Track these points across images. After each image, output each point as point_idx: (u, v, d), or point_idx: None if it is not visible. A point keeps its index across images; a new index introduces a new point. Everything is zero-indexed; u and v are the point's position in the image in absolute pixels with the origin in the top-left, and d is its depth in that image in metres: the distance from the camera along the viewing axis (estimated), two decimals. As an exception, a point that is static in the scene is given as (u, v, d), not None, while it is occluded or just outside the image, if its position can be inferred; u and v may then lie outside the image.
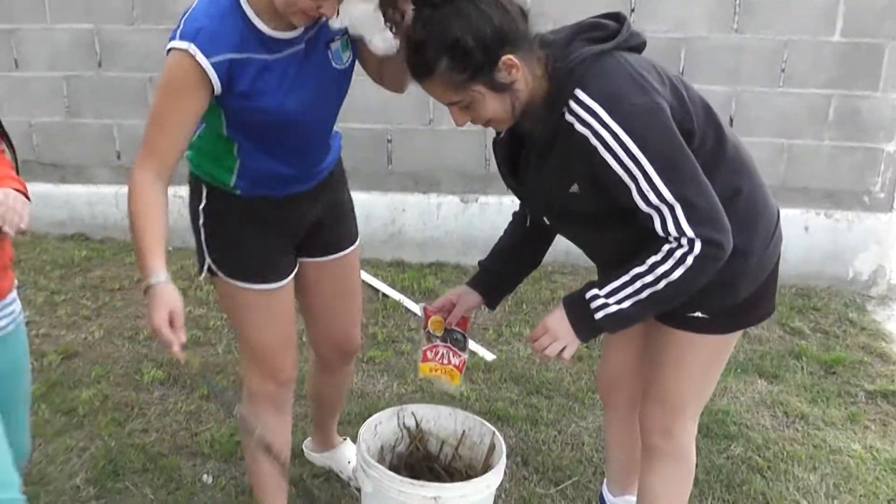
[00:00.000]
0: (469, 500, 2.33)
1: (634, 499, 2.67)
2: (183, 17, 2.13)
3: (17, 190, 1.92)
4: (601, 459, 3.26)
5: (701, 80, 4.66)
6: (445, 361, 2.56)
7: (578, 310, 2.10)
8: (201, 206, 2.43)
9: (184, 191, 2.43)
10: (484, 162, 5.23)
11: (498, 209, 5.14)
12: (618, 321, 2.06)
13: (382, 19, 2.11)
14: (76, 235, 5.63)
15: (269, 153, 2.33)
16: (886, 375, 4.07)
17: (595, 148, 1.92)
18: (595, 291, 2.06)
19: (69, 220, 5.63)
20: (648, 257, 1.99)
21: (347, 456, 3.16)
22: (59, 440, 3.34)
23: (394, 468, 2.52)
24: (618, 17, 2.08)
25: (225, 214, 2.42)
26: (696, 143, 2.02)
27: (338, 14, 2.13)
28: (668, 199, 1.92)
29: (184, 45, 2.06)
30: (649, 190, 1.92)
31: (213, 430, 3.41)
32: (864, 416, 3.69)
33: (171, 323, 2.07)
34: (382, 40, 2.22)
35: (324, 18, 2.14)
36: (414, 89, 2.05)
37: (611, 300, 2.04)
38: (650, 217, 1.95)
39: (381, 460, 2.59)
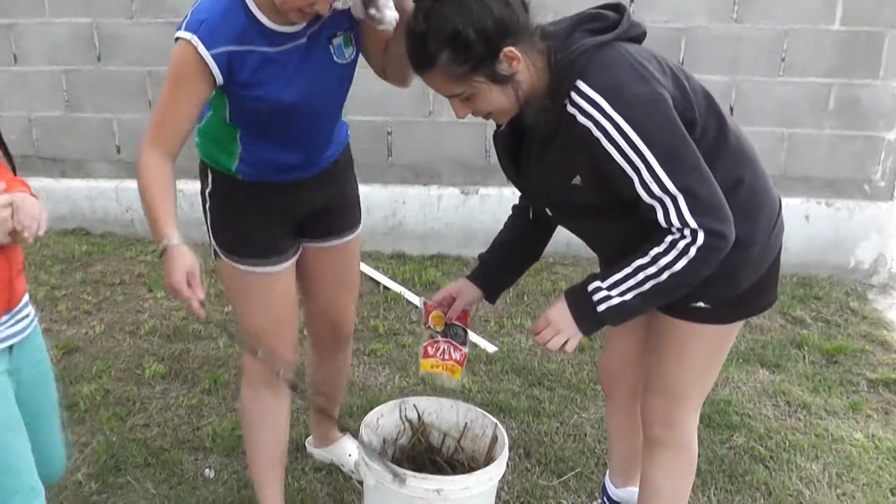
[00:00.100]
0: (471, 493, 2.33)
1: (637, 490, 2.67)
2: (192, 7, 2.21)
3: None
4: (603, 450, 3.26)
5: (701, 70, 4.65)
6: (446, 357, 2.56)
7: (581, 302, 2.09)
8: (207, 191, 2.52)
9: (182, 184, 2.44)
10: (484, 153, 5.22)
11: (498, 200, 5.13)
12: (620, 313, 2.06)
13: None
14: (76, 230, 5.62)
15: (270, 141, 2.39)
16: (888, 364, 4.07)
17: (597, 139, 1.91)
18: (597, 284, 2.06)
19: (69, 215, 5.62)
20: (651, 248, 1.98)
21: (348, 449, 3.16)
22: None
23: (396, 461, 2.52)
24: (618, 8, 2.08)
25: (228, 198, 2.49)
26: (697, 133, 2.02)
27: (331, 9, 2.18)
28: (670, 189, 1.91)
29: (187, 35, 2.15)
30: (652, 181, 1.91)
31: (214, 425, 3.41)
32: (866, 405, 3.69)
33: (189, 282, 2.18)
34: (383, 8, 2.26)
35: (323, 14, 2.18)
36: (414, 81, 2.04)
37: (613, 292, 2.03)
38: (652, 208, 1.95)
39: (383, 453, 2.59)
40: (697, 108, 2.03)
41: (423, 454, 2.67)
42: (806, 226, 5.06)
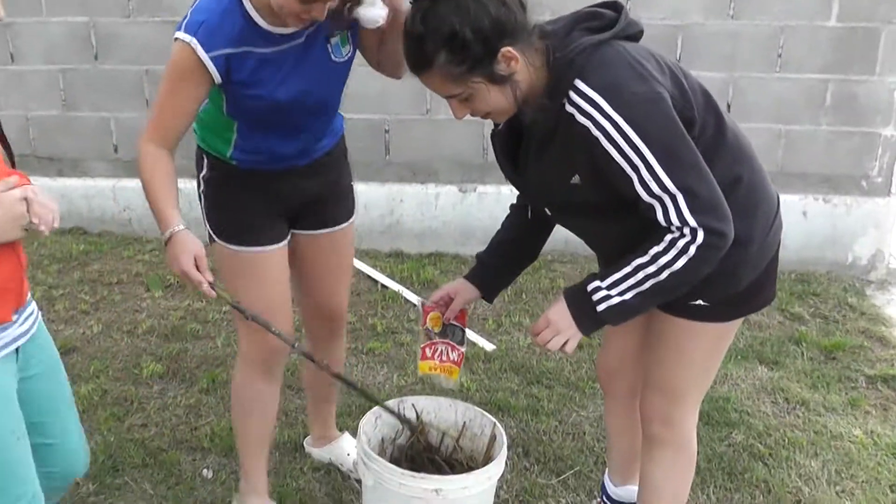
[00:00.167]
0: (470, 492, 2.32)
1: (636, 488, 2.67)
2: (192, 7, 2.26)
3: None
4: (602, 449, 3.26)
5: (698, 67, 4.64)
6: (444, 358, 2.56)
7: (580, 302, 2.09)
8: (202, 175, 2.58)
9: (182, 184, 2.44)
10: (482, 151, 5.21)
11: (496, 198, 5.13)
12: (620, 313, 2.05)
13: None
14: (74, 229, 5.61)
15: (265, 132, 2.46)
16: (886, 360, 4.07)
17: (596, 138, 1.91)
18: (597, 283, 2.05)
19: (66, 214, 5.60)
20: (650, 248, 1.98)
21: (346, 448, 3.16)
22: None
23: (394, 460, 2.51)
24: (615, 6, 2.08)
25: (223, 183, 2.55)
26: (696, 132, 2.02)
27: (327, 16, 2.21)
28: (669, 188, 1.91)
29: (187, 37, 2.20)
30: (651, 180, 1.91)
31: (212, 425, 3.40)
32: (865, 402, 3.69)
33: (197, 266, 2.26)
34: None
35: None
36: (411, 79, 2.04)
37: (613, 292, 2.03)
38: (652, 207, 1.94)
39: (381, 453, 2.59)
40: (696, 107, 2.03)
41: (422, 453, 2.67)
42: (804, 222, 5.06)
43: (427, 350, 2.58)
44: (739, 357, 4.02)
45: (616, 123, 1.89)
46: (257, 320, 2.45)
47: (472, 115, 2.05)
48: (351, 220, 2.80)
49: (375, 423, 2.61)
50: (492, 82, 1.95)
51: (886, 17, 4.76)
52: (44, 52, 5.39)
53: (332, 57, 2.38)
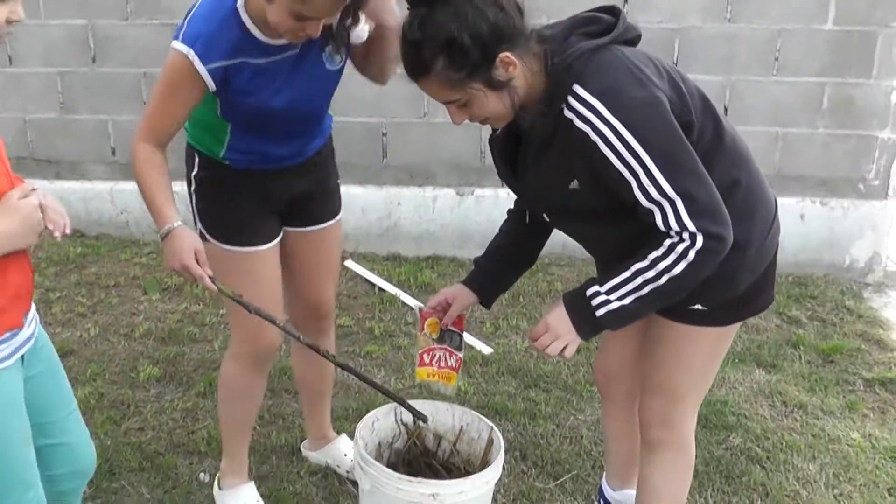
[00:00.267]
0: (468, 496, 2.32)
1: (634, 492, 2.67)
2: (187, 15, 2.29)
3: None
4: (600, 453, 3.26)
5: (695, 70, 4.66)
6: (442, 364, 2.56)
7: (579, 307, 2.09)
8: (193, 174, 2.60)
9: (176, 187, 2.44)
10: (479, 154, 5.21)
11: (494, 201, 5.13)
12: (619, 318, 2.05)
13: None
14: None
15: (259, 135, 2.49)
16: (884, 363, 4.07)
17: (595, 143, 1.91)
18: (596, 288, 2.05)
19: (63, 217, 5.59)
20: (649, 252, 1.98)
21: (343, 449, 3.16)
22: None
23: (391, 465, 2.52)
24: (613, 11, 2.07)
25: (215, 182, 2.57)
26: (694, 136, 2.02)
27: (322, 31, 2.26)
28: (668, 193, 1.91)
29: (184, 49, 2.23)
30: (650, 185, 1.91)
31: (209, 428, 3.40)
32: (863, 405, 3.69)
33: (197, 260, 2.30)
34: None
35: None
36: (408, 83, 2.04)
37: (612, 297, 2.03)
38: (651, 212, 1.94)
39: (378, 457, 2.59)
40: (694, 111, 2.03)
41: (419, 458, 2.67)
42: (801, 225, 5.06)
43: (425, 356, 2.58)
44: (737, 360, 4.02)
45: (615, 128, 1.89)
46: (260, 314, 2.47)
47: (471, 120, 2.05)
48: (338, 218, 2.84)
49: (372, 427, 2.61)
50: (490, 88, 1.95)
51: (883, 20, 4.76)
52: (42, 54, 5.38)
53: (326, 65, 2.42)
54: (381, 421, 2.64)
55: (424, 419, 2.62)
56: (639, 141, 1.89)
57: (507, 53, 1.92)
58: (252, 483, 2.96)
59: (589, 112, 1.91)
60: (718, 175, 2.02)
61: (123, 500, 3.02)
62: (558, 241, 2.44)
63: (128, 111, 5.34)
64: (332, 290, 2.96)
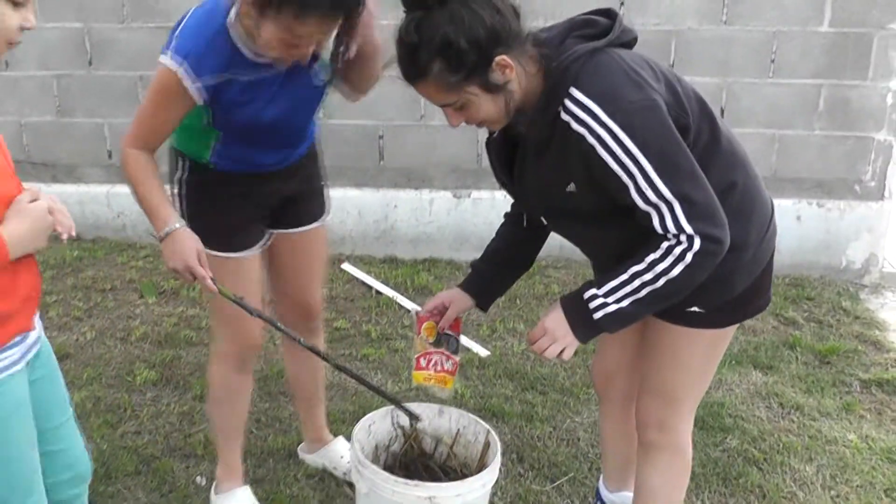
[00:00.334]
0: (464, 499, 2.32)
1: (631, 494, 2.67)
2: (178, 27, 2.30)
3: None
4: (597, 455, 3.26)
5: (691, 72, 4.67)
6: (439, 368, 2.56)
7: (577, 310, 2.08)
8: (178, 177, 2.61)
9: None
10: (476, 157, 5.22)
11: (491, 204, 5.13)
12: (617, 320, 2.05)
13: None
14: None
15: (246, 144, 2.50)
16: (880, 364, 4.08)
17: (592, 146, 1.91)
18: (593, 291, 2.05)
19: (60, 221, 5.58)
20: (647, 255, 1.98)
21: (340, 451, 3.16)
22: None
23: (388, 468, 2.51)
24: (609, 13, 2.07)
25: (200, 185, 2.58)
26: (691, 138, 2.01)
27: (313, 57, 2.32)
28: (666, 196, 1.91)
29: (174, 65, 2.24)
30: (647, 187, 1.91)
31: (206, 432, 3.38)
32: (859, 406, 3.70)
33: (199, 260, 2.35)
34: None
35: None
36: (405, 85, 2.03)
37: (609, 299, 2.03)
38: (648, 215, 1.94)
39: (375, 460, 2.59)
40: (691, 114, 2.03)
41: (416, 460, 2.67)
42: (797, 226, 5.07)
43: (421, 360, 2.58)
44: (734, 362, 4.02)
45: (612, 131, 1.89)
46: (262, 317, 2.53)
47: (468, 123, 2.05)
48: (323, 219, 2.86)
49: (369, 430, 2.61)
50: (487, 91, 1.95)
51: (878, 22, 4.77)
52: (38, 57, 5.38)
53: (314, 81, 2.44)
54: (378, 424, 2.64)
55: (418, 419, 2.63)
56: (636, 144, 1.88)
57: (504, 56, 1.91)
58: (247, 487, 2.96)
59: (586, 115, 1.91)
60: (715, 177, 2.02)
61: (120, 503, 3.01)
62: (555, 243, 2.44)
63: (124, 114, 5.32)
64: (319, 291, 2.98)
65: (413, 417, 2.62)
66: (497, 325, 4.40)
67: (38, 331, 2.01)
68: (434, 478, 2.57)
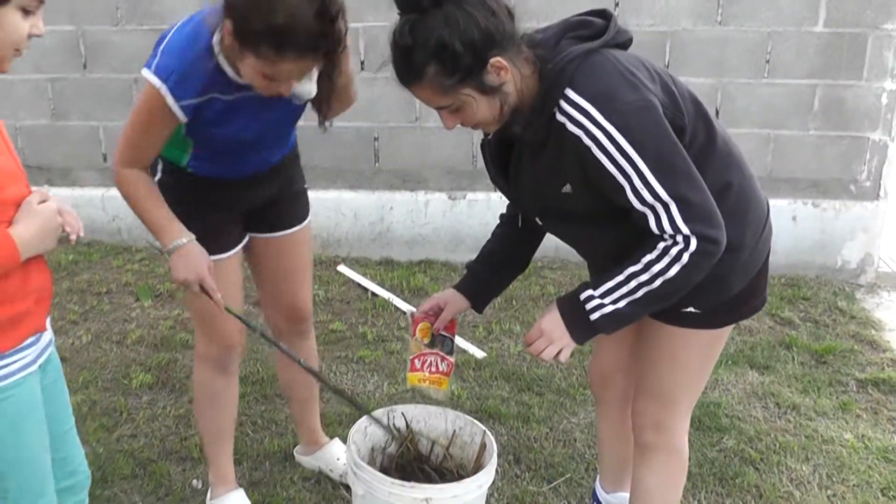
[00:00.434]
0: (461, 501, 2.32)
1: (628, 495, 2.66)
2: (162, 40, 2.30)
3: None
4: (593, 456, 3.26)
5: (686, 73, 4.68)
6: (434, 370, 2.56)
7: (573, 311, 2.08)
8: (156, 179, 2.57)
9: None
10: (471, 158, 5.22)
11: (486, 205, 5.13)
12: (613, 321, 2.05)
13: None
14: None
15: (224, 155, 2.52)
16: (877, 363, 4.08)
17: (588, 148, 1.90)
18: (590, 292, 2.05)
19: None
20: (643, 256, 1.98)
21: (336, 453, 3.16)
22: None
23: (384, 469, 2.51)
24: (604, 14, 2.07)
25: (176, 188, 2.55)
26: (687, 139, 2.01)
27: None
28: (662, 197, 1.91)
29: (157, 82, 2.25)
30: (643, 188, 1.91)
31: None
32: (856, 405, 3.70)
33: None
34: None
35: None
36: (400, 87, 2.03)
37: (606, 300, 2.03)
38: (644, 216, 1.94)
39: (371, 462, 2.58)
40: (686, 114, 2.03)
41: (412, 462, 2.66)
42: (793, 227, 5.07)
43: (416, 361, 2.57)
44: (730, 362, 4.02)
45: (607, 132, 1.89)
46: (265, 336, 2.59)
47: (463, 125, 2.05)
48: (306, 222, 2.86)
49: (365, 432, 2.61)
50: (481, 93, 1.94)
51: (873, 22, 4.77)
52: (33, 61, 5.37)
53: (294, 101, 2.43)
54: (374, 425, 2.64)
55: (396, 436, 2.64)
56: (632, 145, 1.88)
57: (499, 58, 1.91)
58: (241, 490, 2.96)
59: (582, 116, 1.91)
60: (711, 178, 2.02)
61: (116, 507, 3.01)
62: (551, 244, 2.44)
63: (119, 117, 5.31)
64: (307, 294, 2.97)
65: (389, 431, 2.63)
66: (493, 326, 4.40)
67: (49, 333, 2.03)
68: (430, 480, 2.57)
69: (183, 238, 2.39)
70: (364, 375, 3.91)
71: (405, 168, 5.32)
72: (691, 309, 2.20)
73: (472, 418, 2.63)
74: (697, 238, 1.93)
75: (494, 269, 2.49)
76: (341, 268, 5.12)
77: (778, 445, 3.39)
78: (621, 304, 2.02)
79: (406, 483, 2.31)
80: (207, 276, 2.41)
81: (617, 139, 1.88)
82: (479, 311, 2.55)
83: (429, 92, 1.97)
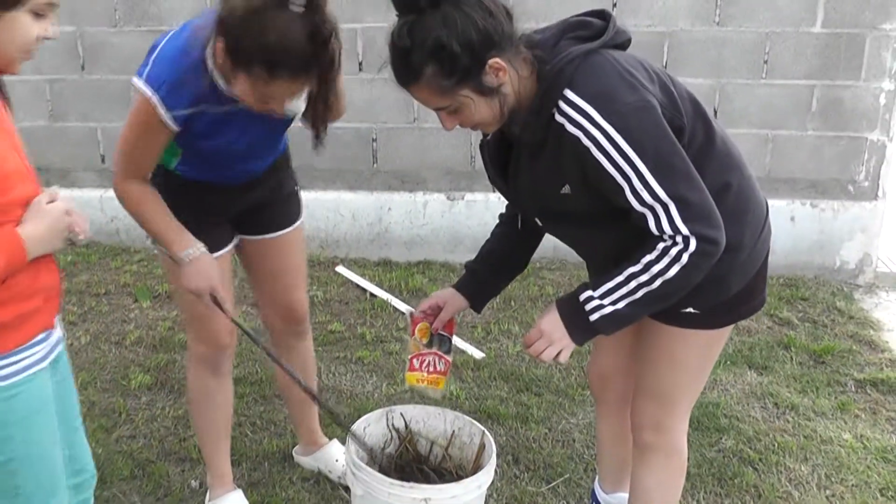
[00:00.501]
0: (460, 501, 2.32)
1: (627, 495, 2.66)
2: (154, 49, 2.29)
3: None
4: (592, 456, 3.26)
5: (684, 74, 4.68)
6: (431, 370, 2.56)
7: (573, 312, 2.08)
8: None
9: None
10: (470, 159, 5.22)
11: (485, 206, 5.13)
12: (613, 322, 2.05)
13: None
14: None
15: (213, 163, 2.51)
16: (875, 363, 4.08)
17: (587, 149, 1.90)
18: (589, 293, 2.05)
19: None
20: (643, 256, 1.98)
21: (335, 454, 3.16)
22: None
23: (383, 470, 2.51)
24: (603, 15, 2.07)
25: (167, 190, 2.53)
26: (686, 139, 2.02)
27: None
28: (661, 197, 1.91)
29: (148, 92, 2.24)
30: (643, 189, 1.91)
31: (201, 435, 3.39)
32: (854, 405, 3.70)
33: None
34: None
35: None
36: (398, 88, 2.03)
37: (605, 301, 2.03)
38: (644, 216, 1.94)
39: (370, 462, 2.58)
40: (685, 114, 2.03)
41: (411, 463, 2.66)
42: (791, 227, 5.07)
43: (415, 361, 2.57)
44: (729, 362, 4.03)
45: (607, 133, 1.89)
46: (269, 353, 2.62)
47: (462, 125, 2.04)
48: (298, 224, 2.86)
49: (364, 432, 2.61)
50: (480, 94, 1.94)
51: (871, 22, 4.78)
52: (31, 62, 5.30)
53: (285, 113, 2.42)
54: (373, 426, 2.64)
55: (374, 457, 2.62)
56: (631, 145, 1.88)
57: (497, 59, 1.91)
58: (239, 491, 2.96)
59: (581, 117, 1.91)
60: (710, 178, 2.02)
61: (115, 508, 3.01)
62: (549, 244, 2.44)
63: (117, 118, 5.27)
64: (302, 294, 2.97)
65: (370, 452, 2.62)
66: (492, 326, 4.40)
67: (59, 331, 2.03)
68: (429, 480, 2.57)
69: (195, 248, 2.41)
70: (363, 376, 3.91)
71: (403, 169, 5.32)
72: (690, 309, 2.20)
73: (470, 419, 2.63)
74: (697, 238, 1.93)
75: (494, 269, 2.49)
76: (340, 268, 5.12)
77: (776, 445, 3.40)
78: (621, 304, 2.02)
79: (405, 483, 2.31)
80: (220, 286, 2.44)
81: (616, 140, 1.88)
82: (478, 310, 2.55)
83: (427, 93, 1.97)
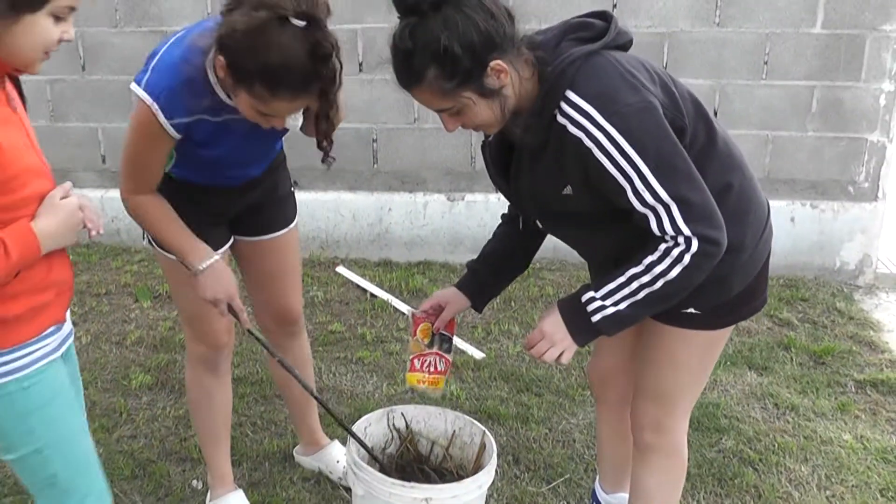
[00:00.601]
0: (460, 501, 2.32)
1: (627, 496, 2.67)
2: (154, 57, 2.28)
3: None
4: (592, 456, 3.26)
5: (685, 74, 4.68)
6: (432, 370, 2.57)
7: (574, 313, 2.09)
8: None
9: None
10: (470, 159, 5.22)
11: (485, 206, 5.13)
12: (615, 323, 2.05)
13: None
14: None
15: (204, 170, 2.51)
16: (875, 364, 4.08)
17: (589, 149, 1.91)
18: (591, 294, 2.05)
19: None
20: (644, 257, 1.98)
21: (336, 455, 3.16)
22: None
23: (384, 470, 2.51)
24: (604, 16, 2.07)
25: (163, 191, 2.52)
26: (687, 140, 2.02)
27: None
28: (663, 198, 1.91)
29: (148, 99, 2.23)
30: (645, 190, 1.91)
31: (202, 435, 3.39)
32: (854, 406, 3.70)
33: None
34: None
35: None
36: (399, 89, 2.03)
37: (607, 302, 2.03)
38: (645, 217, 1.94)
39: (371, 462, 2.58)
40: (686, 115, 2.03)
41: (412, 463, 2.67)
42: (791, 228, 5.08)
43: (416, 361, 2.58)
44: (729, 363, 4.03)
45: (609, 134, 1.89)
46: (283, 363, 2.60)
47: (464, 127, 2.05)
48: (292, 225, 2.85)
49: (365, 432, 2.61)
50: (482, 96, 1.94)
51: (871, 23, 4.78)
52: (30, 63, 5.37)
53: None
54: (374, 426, 2.64)
55: (377, 460, 2.62)
56: (633, 146, 1.89)
57: (499, 61, 1.91)
58: (240, 491, 2.96)
59: (583, 118, 1.91)
60: (711, 179, 2.02)
61: (116, 508, 3.01)
62: (549, 245, 2.45)
63: (118, 118, 5.33)
64: (296, 296, 2.97)
65: (374, 457, 2.62)
66: (492, 327, 4.40)
67: (69, 325, 2.05)
68: (429, 480, 2.58)
69: (212, 257, 2.42)
70: (363, 376, 3.92)
71: (404, 169, 5.32)
72: (692, 310, 2.20)
73: (471, 419, 2.64)
74: (698, 239, 1.93)
75: (495, 269, 2.50)
76: (340, 269, 5.12)
77: (777, 446, 3.40)
78: (622, 305, 2.03)
79: (406, 483, 2.31)
80: (236, 295, 2.44)
81: (618, 141, 1.89)
82: (479, 310, 2.55)
83: (429, 95, 1.97)
